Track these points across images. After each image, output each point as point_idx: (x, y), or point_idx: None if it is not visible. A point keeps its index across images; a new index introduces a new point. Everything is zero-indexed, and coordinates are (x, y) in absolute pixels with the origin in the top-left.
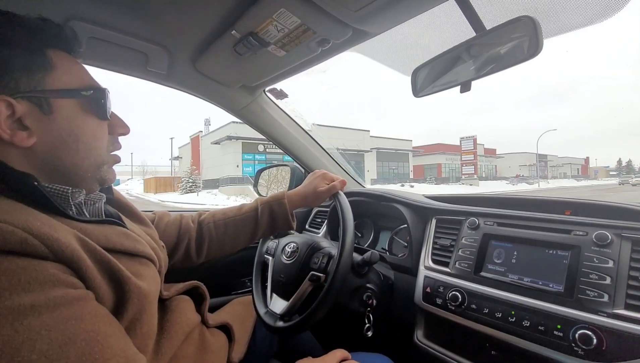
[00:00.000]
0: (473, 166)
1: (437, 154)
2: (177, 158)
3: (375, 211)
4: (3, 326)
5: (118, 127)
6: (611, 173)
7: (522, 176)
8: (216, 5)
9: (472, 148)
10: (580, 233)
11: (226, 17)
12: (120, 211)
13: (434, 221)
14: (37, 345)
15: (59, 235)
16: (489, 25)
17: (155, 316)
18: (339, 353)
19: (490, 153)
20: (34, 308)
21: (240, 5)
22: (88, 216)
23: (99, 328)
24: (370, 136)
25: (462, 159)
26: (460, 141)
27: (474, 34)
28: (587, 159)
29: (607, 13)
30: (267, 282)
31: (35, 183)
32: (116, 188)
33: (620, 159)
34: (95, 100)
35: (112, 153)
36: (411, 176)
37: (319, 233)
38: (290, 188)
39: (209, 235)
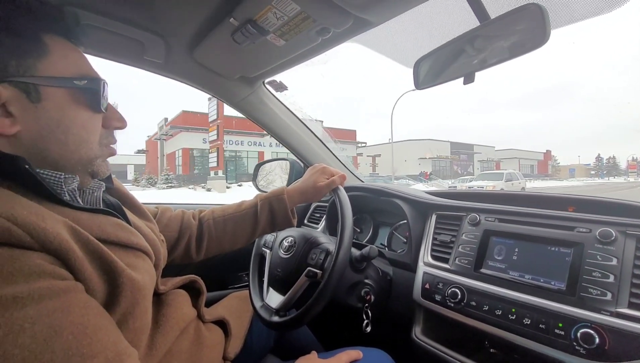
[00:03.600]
0: (216, 154)
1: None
2: (142, 151)
3: (374, 207)
4: None
5: (114, 121)
6: (592, 172)
7: (431, 174)
8: None
9: (216, 117)
10: (584, 229)
11: (224, 4)
12: (121, 202)
13: (434, 217)
14: (19, 339)
15: (46, 224)
16: (493, 14)
17: (149, 310)
18: (345, 356)
19: (348, 136)
20: (16, 300)
21: None
22: (82, 203)
23: (87, 321)
24: None
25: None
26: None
27: (478, 23)
28: (547, 154)
29: (615, 3)
30: (263, 277)
31: (27, 166)
32: None
33: (599, 155)
34: (89, 91)
35: (108, 145)
36: None
37: (318, 228)
38: (289, 182)
39: (208, 232)
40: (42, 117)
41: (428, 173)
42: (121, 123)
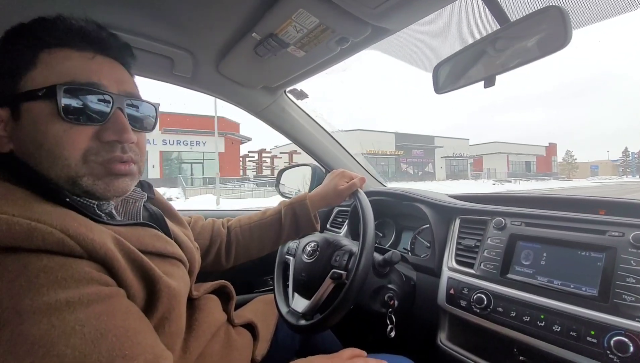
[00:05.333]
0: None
1: None
2: None
3: (396, 211)
4: (40, 321)
5: (109, 133)
6: (620, 169)
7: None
8: (237, 8)
9: None
10: (616, 233)
11: (247, 20)
12: (162, 212)
13: (457, 221)
14: (71, 340)
15: (94, 236)
16: (513, 17)
17: (183, 315)
18: (348, 351)
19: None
20: (69, 304)
21: (260, 7)
22: (121, 218)
23: (129, 325)
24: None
25: None
26: None
27: (497, 26)
28: (550, 148)
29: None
30: (288, 281)
31: (67, 199)
32: None
33: (626, 148)
34: (60, 99)
35: (105, 162)
36: None
37: (340, 233)
38: (311, 187)
39: (236, 240)
40: (21, 133)
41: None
42: (117, 136)
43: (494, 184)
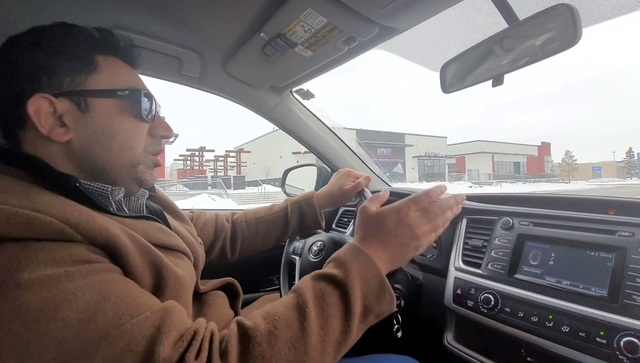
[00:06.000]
0: None
1: None
2: None
3: None
4: (41, 291)
5: (160, 130)
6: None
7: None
8: (245, 8)
9: None
10: (626, 233)
11: (255, 20)
12: (162, 208)
13: (464, 221)
14: (74, 305)
15: (94, 223)
16: (522, 15)
17: (190, 308)
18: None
19: None
20: (67, 274)
21: (268, 7)
22: (127, 211)
23: (132, 288)
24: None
25: None
26: None
27: (506, 25)
28: (543, 148)
29: None
30: (294, 281)
31: (77, 184)
32: None
33: (630, 149)
34: (132, 101)
35: (153, 155)
36: None
37: (346, 232)
38: (317, 187)
39: (242, 234)
40: (90, 125)
41: None
42: (167, 132)
43: (470, 187)
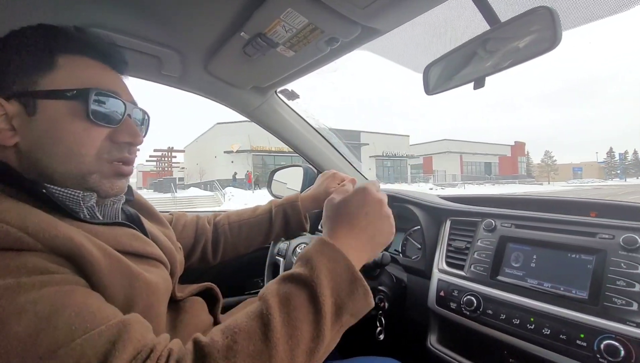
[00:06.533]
0: None
1: None
2: None
3: None
4: None
5: (123, 135)
6: (612, 172)
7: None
8: (225, 7)
9: None
10: (607, 236)
11: (235, 19)
12: (140, 212)
13: (448, 223)
14: (23, 318)
15: (57, 232)
16: (503, 17)
17: (164, 315)
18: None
19: None
20: (20, 286)
21: (248, 6)
22: (101, 218)
23: (90, 300)
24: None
25: None
26: None
27: (488, 27)
28: (516, 147)
29: (632, 2)
30: None
31: (44, 191)
32: None
33: (611, 149)
34: (82, 102)
35: (113, 163)
36: None
37: None
38: (302, 188)
39: (224, 236)
40: (35, 129)
41: (251, 173)
42: (131, 138)
43: (430, 189)
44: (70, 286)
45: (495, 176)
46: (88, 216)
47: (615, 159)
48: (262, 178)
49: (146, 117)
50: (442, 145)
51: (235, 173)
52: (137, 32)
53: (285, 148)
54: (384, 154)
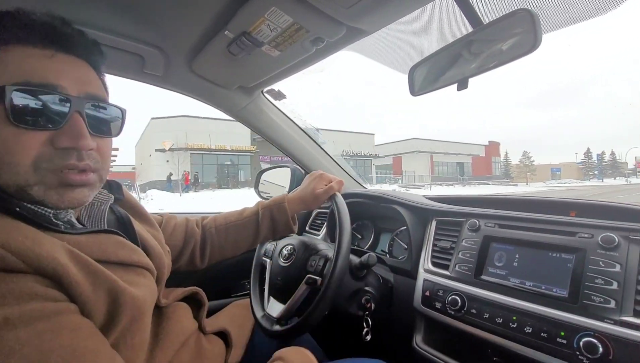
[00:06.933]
0: None
1: None
2: None
3: (375, 213)
4: None
5: (63, 139)
6: (591, 172)
7: (196, 175)
8: (209, 4)
9: None
10: (586, 235)
11: (219, 17)
12: (130, 213)
13: (434, 223)
14: (10, 361)
15: (41, 249)
16: (486, 19)
17: (148, 326)
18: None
19: None
20: (7, 322)
21: (232, 4)
22: (86, 221)
23: (77, 344)
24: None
25: None
26: None
27: (471, 29)
28: (490, 147)
29: (609, 6)
30: (265, 285)
31: (17, 208)
32: None
33: (588, 149)
34: (11, 101)
35: (57, 172)
36: None
37: (319, 235)
38: (290, 189)
39: (211, 240)
40: None
41: (188, 174)
42: (72, 142)
43: (394, 191)
44: (59, 319)
45: (468, 176)
46: (69, 226)
47: (593, 159)
48: (205, 178)
49: (116, 114)
50: (411, 144)
51: (171, 174)
52: (117, 29)
53: (228, 146)
54: (345, 154)
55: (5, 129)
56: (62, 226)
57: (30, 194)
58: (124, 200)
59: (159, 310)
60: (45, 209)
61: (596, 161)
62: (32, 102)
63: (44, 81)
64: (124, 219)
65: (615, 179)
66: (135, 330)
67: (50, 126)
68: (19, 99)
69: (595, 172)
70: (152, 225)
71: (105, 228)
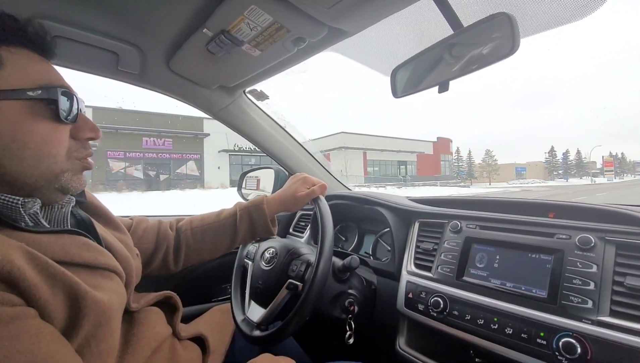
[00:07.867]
0: None
1: None
2: None
3: (359, 215)
4: None
5: (85, 131)
6: (558, 171)
7: None
8: (186, 2)
9: None
10: (564, 236)
11: (197, 15)
12: (93, 216)
13: (417, 225)
14: None
15: None
16: (466, 23)
17: (116, 332)
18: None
19: None
20: None
21: (210, 2)
22: (47, 224)
23: (38, 349)
24: None
25: None
26: None
27: (451, 32)
28: (440, 144)
29: (585, 12)
30: (246, 288)
31: None
32: None
33: (552, 148)
34: (48, 101)
35: (83, 158)
36: None
37: (303, 237)
38: (273, 191)
39: (186, 243)
40: None
41: None
42: (94, 134)
43: None
44: (18, 324)
45: (411, 176)
46: (31, 224)
47: (557, 158)
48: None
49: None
50: (338, 139)
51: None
52: (90, 25)
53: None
54: (236, 148)
55: (43, 124)
56: (27, 219)
57: (61, 179)
58: (87, 203)
59: (129, 315)
60: (14, 197)
61: (560, 161)
62: (65, 102)
63: (61, 83)
64: (86, 223)
65: (581, 178)
66: (101, 336)
67: (69, 121)
68: (60, 99)
69: (560, 171)
70: (118, 228)
71: (69, 228)
